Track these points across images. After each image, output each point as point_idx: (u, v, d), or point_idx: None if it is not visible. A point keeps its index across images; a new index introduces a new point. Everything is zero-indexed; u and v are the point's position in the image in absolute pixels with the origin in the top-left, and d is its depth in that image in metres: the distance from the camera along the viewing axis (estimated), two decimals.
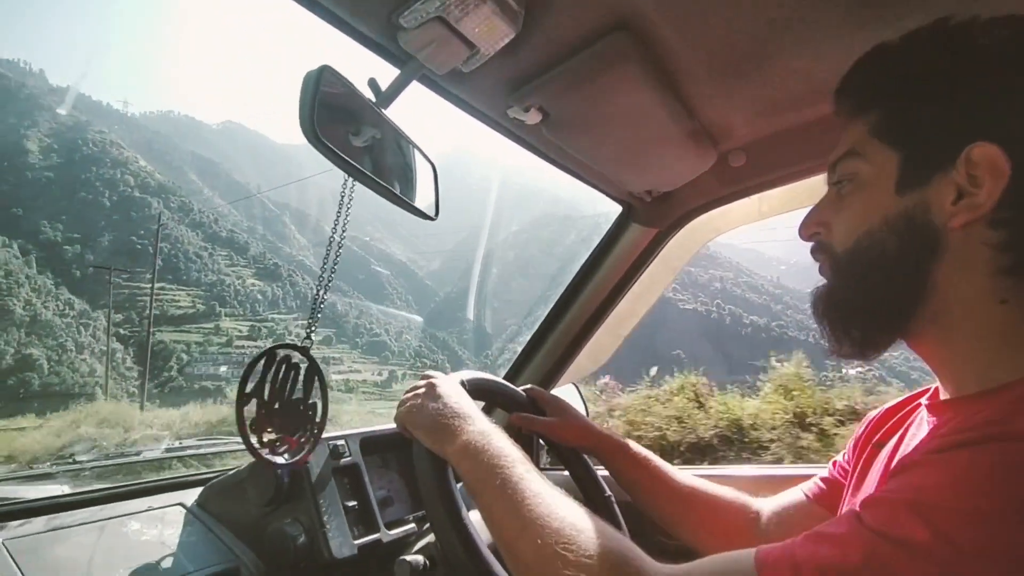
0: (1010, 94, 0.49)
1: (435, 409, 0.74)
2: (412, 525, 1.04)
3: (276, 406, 0.84)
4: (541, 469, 1.46)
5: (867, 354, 0.59)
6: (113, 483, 1.03)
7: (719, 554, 0.51)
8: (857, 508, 0.46)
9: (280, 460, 0.83)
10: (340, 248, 0.83)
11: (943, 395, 0.59)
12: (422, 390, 0.78)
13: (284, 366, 0.85)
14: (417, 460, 0.73)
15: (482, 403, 1.28)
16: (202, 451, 1.41)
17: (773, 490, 0.90)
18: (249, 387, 0.80)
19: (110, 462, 1.27)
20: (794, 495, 0.85)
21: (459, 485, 0.73)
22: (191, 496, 0.99)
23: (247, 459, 0.95)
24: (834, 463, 0.81)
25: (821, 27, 0.71)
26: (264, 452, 0.81)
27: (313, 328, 0.90)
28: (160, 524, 0.91)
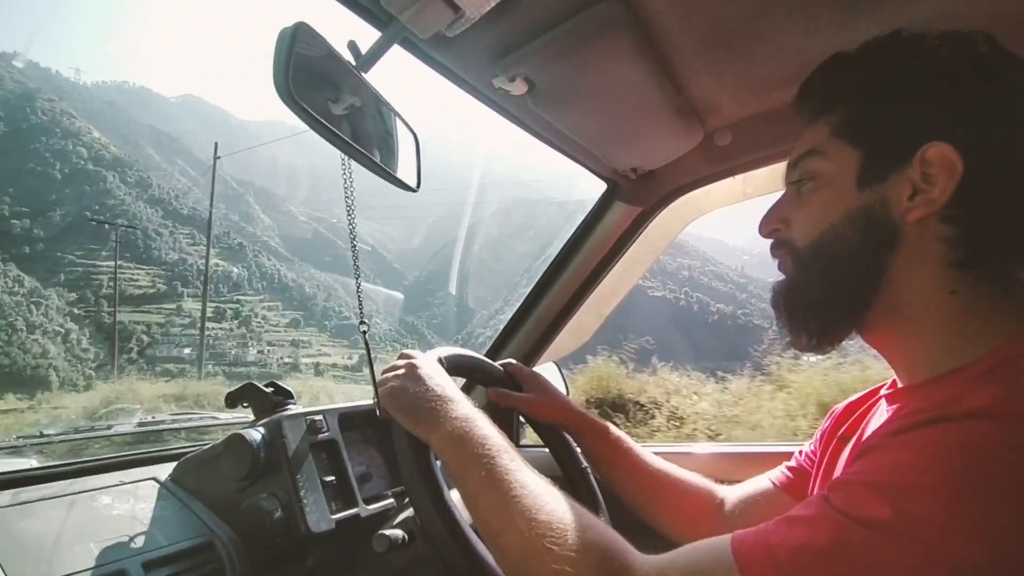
0: (960, 101, 0.53)
1: (416, 392, 0.72)
2: (391, 500, 1.03)
3: None
4: (520, 446, 1.48)
5: (824, 346, 0.61)
6: (84, 458, 1.01)
7: (698, 542, 0.52)
8: (825, 491, 0.48)
9: None
10: (355, 234, 0.82)
11: (900, 384, 0.62)
12: (401, 371, 0.76)
13: None
14: (398, 444, 0.72)
15: (462, 380, 1.28)
16: (176, 426, 1.39)
17: (737, 466, 0.92)
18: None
19: (80, 436, 1.24)
20: (760, 483, 0.87)
21: (438, 462, 0.73)
22: (165, 471, 0.97)
23: (222, 433, 0.94)
24: (800, 452, 0.84)
25: (814, 3, 0.70)
26: None
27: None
28: (132, 499, 0.89)
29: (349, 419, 1.05)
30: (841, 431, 0.72)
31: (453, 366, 0.86)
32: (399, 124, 0.74)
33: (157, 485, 0.94)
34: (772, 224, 0.65)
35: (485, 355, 1.30)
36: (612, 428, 0.99)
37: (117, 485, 0.90)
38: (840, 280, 0.58)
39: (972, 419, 0.44)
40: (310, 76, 0.55)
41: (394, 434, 0.73)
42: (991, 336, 0.52)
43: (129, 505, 0.88)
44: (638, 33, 0.73)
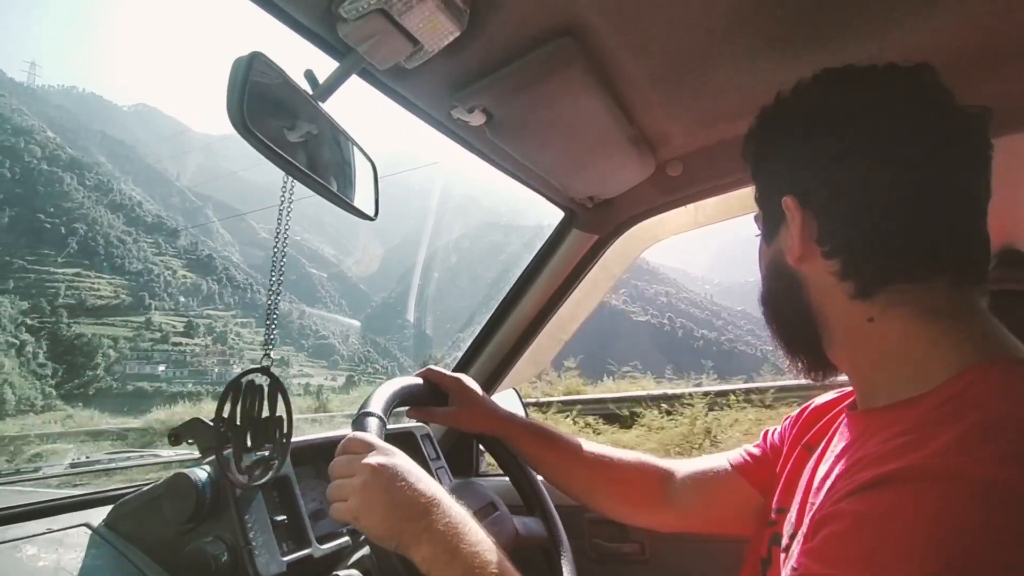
0: (795, 154, 0.60)
1: (388, 502, 0.62)
2: (346, 538, 0.99)
3: (247, 431, 0.78)
4: (479, 475, 1.46)
5: (818, 376, 0.65)
6: (7, 503, 0.92)
7: None
8: None
9: (258, 482, 0.77)
10: (284, 252, 0.77)
11: (859, 407, 0.63)
12: (360, 475, 0.64)
13: (249, 389, 0.79)
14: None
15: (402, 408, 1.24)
16: (113, 465, 1.30)
17: None
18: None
19: (2, 480, 1.14)
20: (717, 462, 0.87)
21: None
22: (99, 516, 0.90)
23: (163, 474, 0.88)
24: (764, 435, 0.84)
25: (757, 43, 0.74)
26: (245, 479, 0.75)
27: (271, 345, 0.81)
28: (60, 548, 0.82)
29: (301, 453, 1.01)
30: (807, 438, 0.73)
31: (389, 412, 0.81)
32: (357, 153, 0.74)
33: (89, 531, 0.87)
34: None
35: None
36: (540, 425, 1.00)
37: (44, 533, 0.83)
38: (787, 323, 0.65)
39: (922, 482, 0.43)
40: (266, 105, 0.54)
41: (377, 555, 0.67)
42: (939, 364, 0.52)
43: (57, 555, 0.81)
44: (592, 69, 0.75)
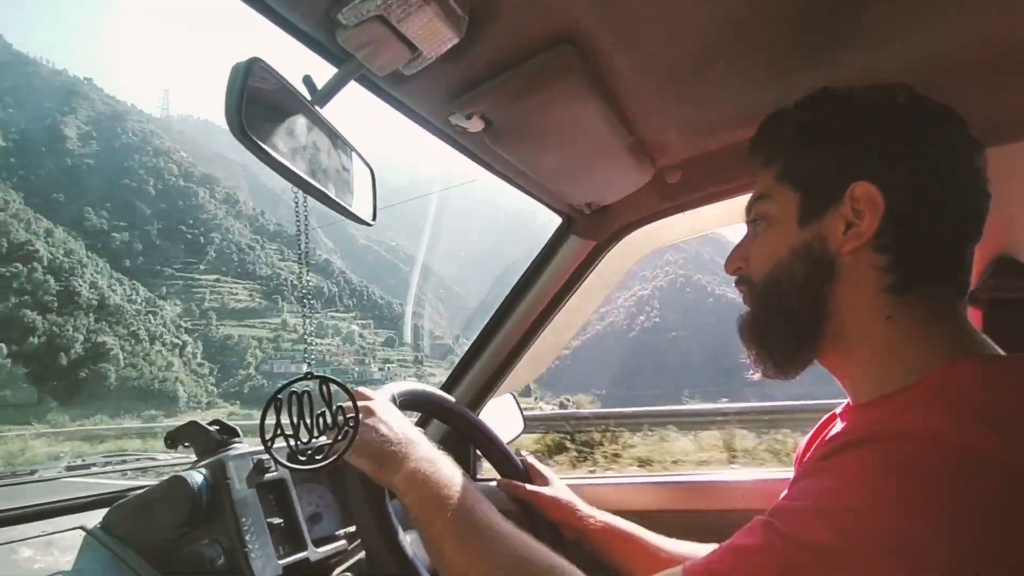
0: (880, 144, 0.60)
1: (376, 437, 0.71)
2: (343, 542, 0.99)
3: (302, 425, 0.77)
4: (476, 479, 1.45)
5: (787, 372, 0.67)
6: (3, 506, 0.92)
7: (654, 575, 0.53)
8: (767, 516, 0.49)
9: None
10: (308, 263, 0.78)
11: (850, 404, 0.66)
12: (359, 414, 0.74)
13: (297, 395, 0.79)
14: (350, 486, 0.70)
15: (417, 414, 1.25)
16: (109, 469, 1.29)
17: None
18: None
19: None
20: None
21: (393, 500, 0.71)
22: (94, 519, 0.90)
23: (161, 476, 0.88)
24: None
25: (755, 53, 0.75)
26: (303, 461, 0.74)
27: (311, 354, 0.81)
28: (56, 550, 0.82)
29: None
30: (808, 455, 0.74)
31: (407, 402, 0.85)
32: (355, 159, 0.74)
33: (84, 534, 0.87)
34: (736, 263, 0.71)
35: (441, 388, 1.29)
36: (625, 526, 0.96)
37: (39, 536, 0.83)
38: (790, 311, 0.64)
39: (899, 440, 0.46)
40: (264, 111, 0.54)
41: (347, 477, 0.70)
42: (927, 360, 0.55)
43: (53, 558, 0.81)
44: (590, 76, 0.75)
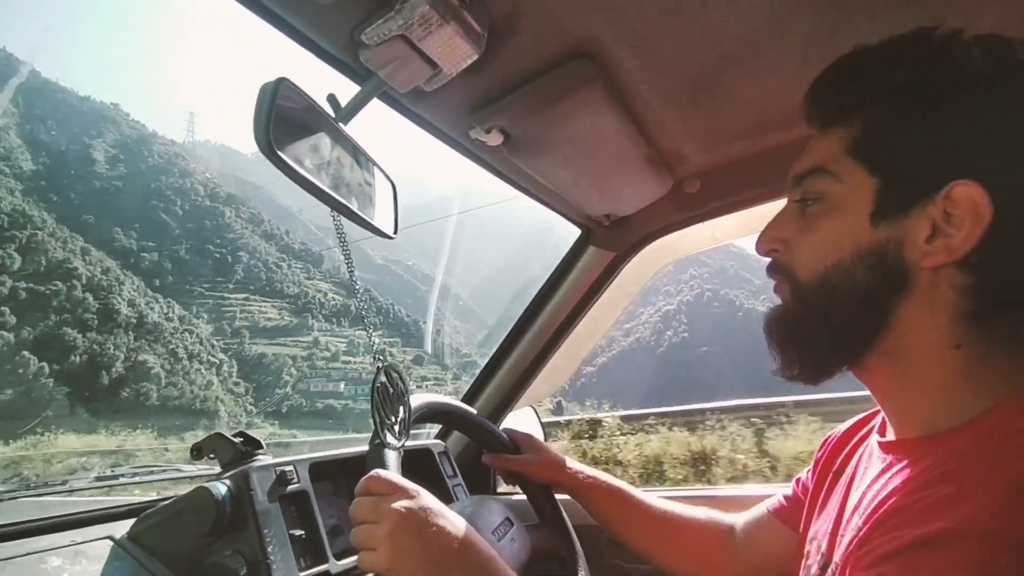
0: (999, 123, 0.45)
1: (421, 550, 0.59)
2: None
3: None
4: (496, 493, 1.45)
5: (817, 380, 0.56)
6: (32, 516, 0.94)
7: None
8: None
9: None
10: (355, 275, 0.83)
11: (889, 432, 0.57)
12: (388, 522, 0.60)
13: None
14: None
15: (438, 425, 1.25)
16: (137, 479, 1.32)
17: (739, 509, 0.93)
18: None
19: (31, 493, 1.17)
20: (759, 511, 0.88)
21: None
22: (122, 529, 0.92)
23: (185, 487, 0.89)
24: (797, 480, 0.83)
25: (771, 62, 0.75)
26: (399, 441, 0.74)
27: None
28: (84, 560, 0.84)
29: (320, 469, 1.02)
30: (836, 465, 0.68)
31: (406, 434, 0.77)
32: (377, 173, 0.75)
33: (112, 544, 0.88)
34: (771, 243, 0.58)
35: (462, 400, 1.29)
36: (612, 481, 0.98)
37: (69, 545, 0.85)
38: (840, 321, 0.52)
39: (961, 545, 0.39)
40: (290, 129, 0.56)
41: None
42: (985, 395, 0.47)
43: (81, 567, 0.82)
44: (608, 89, 0.76)
